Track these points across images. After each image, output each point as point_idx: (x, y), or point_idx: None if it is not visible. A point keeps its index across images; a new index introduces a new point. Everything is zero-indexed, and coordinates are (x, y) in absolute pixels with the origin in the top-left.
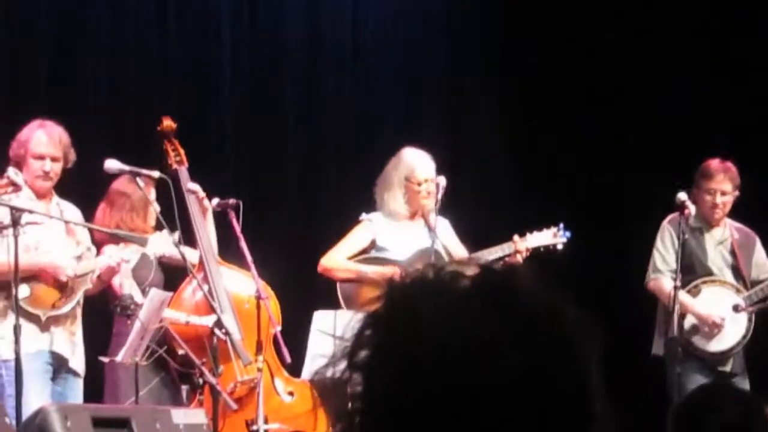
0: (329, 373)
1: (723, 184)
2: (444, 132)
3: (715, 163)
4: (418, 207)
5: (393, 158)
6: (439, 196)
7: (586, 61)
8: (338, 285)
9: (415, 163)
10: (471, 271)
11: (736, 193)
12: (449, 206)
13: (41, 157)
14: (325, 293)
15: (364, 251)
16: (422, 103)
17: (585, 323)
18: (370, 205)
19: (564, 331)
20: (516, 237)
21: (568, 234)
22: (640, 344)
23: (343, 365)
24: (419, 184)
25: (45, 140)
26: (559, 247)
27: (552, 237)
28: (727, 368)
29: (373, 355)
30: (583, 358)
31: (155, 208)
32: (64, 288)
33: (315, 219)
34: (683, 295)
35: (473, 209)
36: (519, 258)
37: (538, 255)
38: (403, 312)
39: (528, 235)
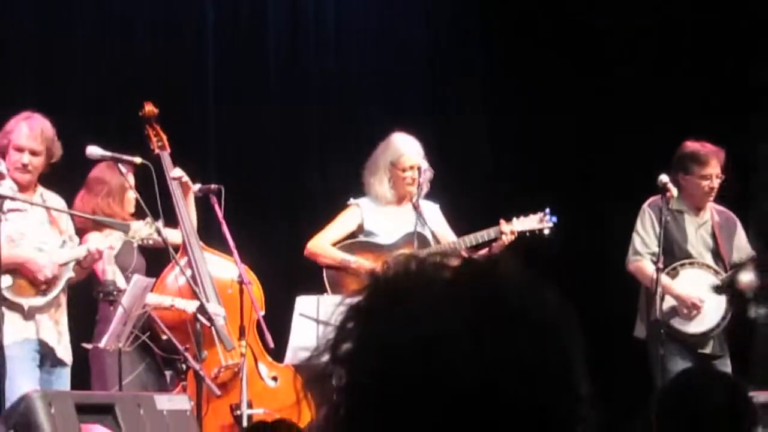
0: (313, 362)
1: (717, 167)
2: (428, 113)
3: (706, 148)
4: (405, 193)
5: (382, 143)
6: (421, 179)
7: (568, 43)
8: (324, 270)
9: (402, 149)
10: (454, 261)
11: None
12: (435, 191)
13: (20, 150)
14: (308, 278)
15: (352, 235)
16: (406, 85)
17: (568, 312)
18: (354, 189)
19: (547, 321)
20: (502, 221)
21: (554, 219)
22: (624, 327)
23: (326, 357)
24: (404, 170)
25: (26, 132)
26: (546, 232)
27: (539, 222)
28: (707, 350)
29: (356, 348)
30: (566, 347)
31: (133, 193)
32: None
33: (298, 203)
34: (662, 277)
35: (458, 193)
36: (505, 241)
37: (524, 239)
38: (385, 304)
39: (515, 219)
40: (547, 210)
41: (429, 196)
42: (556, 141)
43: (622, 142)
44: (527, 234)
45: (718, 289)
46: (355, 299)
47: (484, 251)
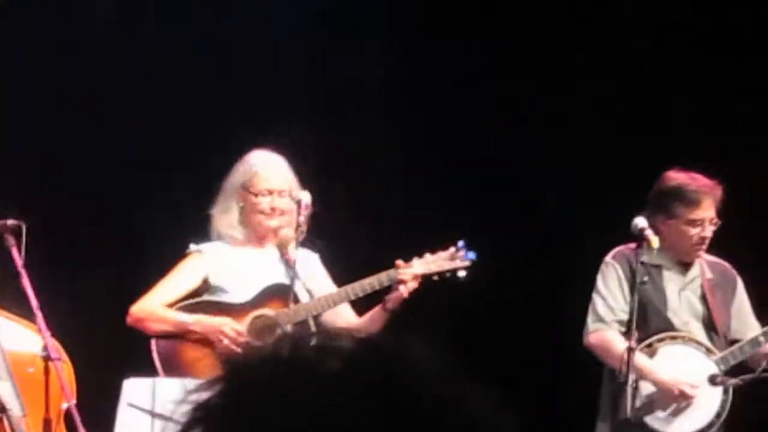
0: None
1: (711, 209)
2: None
3: (698, 183)
4: (263, 230)
5: (237, 164)
6: (302, 218)
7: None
8: (153, 342)
9: (258, 167)
10: (345, 345)
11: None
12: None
13: None
14: (139, 354)
15: (195, 294)
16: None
17: (498, 417)
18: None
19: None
20: (399, 263)
21: (471, 255)
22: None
23: None
24: (257, 195)
25: None
26: (461, 274)
27: (449, 260)
28: None
29: None
30: None
31: None
32: None
33: (128, 246)
34: (637, 356)
35: (351, 225)
36: (404, 291)
37: (434, 286)
38: (245, 405)
39: (416, 259)
40: (461, 243)
41: (306, 240)
42: (487, 154)
43: (585, 166)
44: (435, 278)
45: (715, 380)
46: (205, 394)
47: (375, 310)
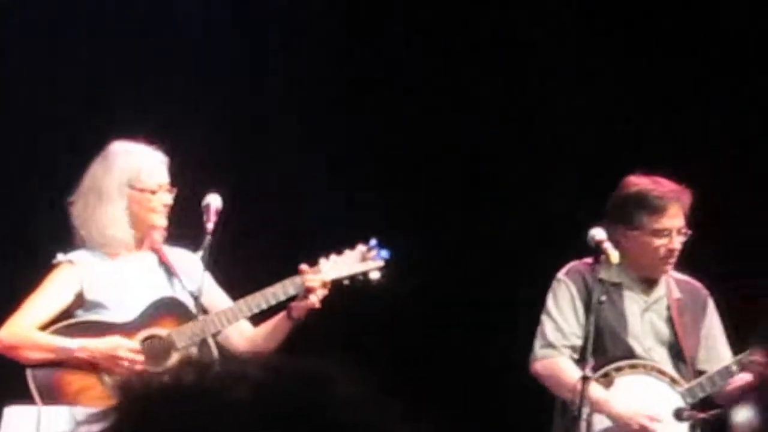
0: None
1: (679, 217)
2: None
3: (663, 188)
4: (151, 231)
5: (98, 158)
6: (211, 224)
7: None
8: (29, 372)
9: (142, 161)
10: (253, 372)
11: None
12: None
13: None
14: (20, 377)
15: (67, 312)
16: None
17: None
18: None
19: None
20: (305, 267)
21: (385, 254)
22: None
23: None
24: (153, 193)
25: None
26: (374, 275)
27: (360, 261)
28: None
29: None
30: None
31: None
32: None
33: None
34: (592, 387)
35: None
36: (313, 301)
37: (345, 291)
38: None
39: (322, 261)
40: (373, 242)
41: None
42: (412, 150)
43: (532, 164)
44: (346, 282)
45: (681, 415)
46: (96, 426)
47: (278, 318)
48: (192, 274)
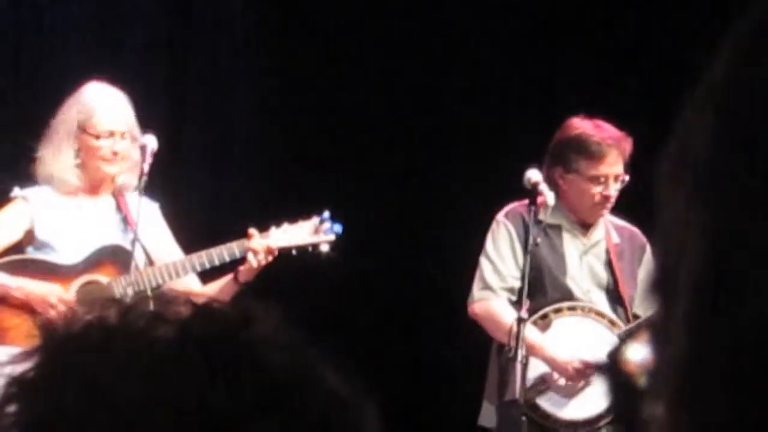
0: None
1: (617, 165)
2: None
3: (603, 134)
4: (101, 176)
5: (69, 99)
6: (146, 165)
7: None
8: None
9: (96, 106)
10: (181, 311)
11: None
12: (170, 177)
13: None
14: None
15: (17, 248)
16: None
17: (359, 396)
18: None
19: (321, 411)
20: (253, 232)
21: (337, 228)
22: (462, 412)
23: None
24: (98, 138)
25: None
26: (324, 248)
27: (312, 233)
28: None
29: None
30: None
31: None
32: None
33: None
34: (528, 329)
35: (204, 181)
36: (255, 263)
37: (291, 259)
38: (67, 377)
39: (273, 229)
40: (326, 215)
41: (151, 189)
42: (356, 102)
43: (468, 110)
44: (294, 253)
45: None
46: (20, 366)
47: (225, 280)
48: (146, 222)
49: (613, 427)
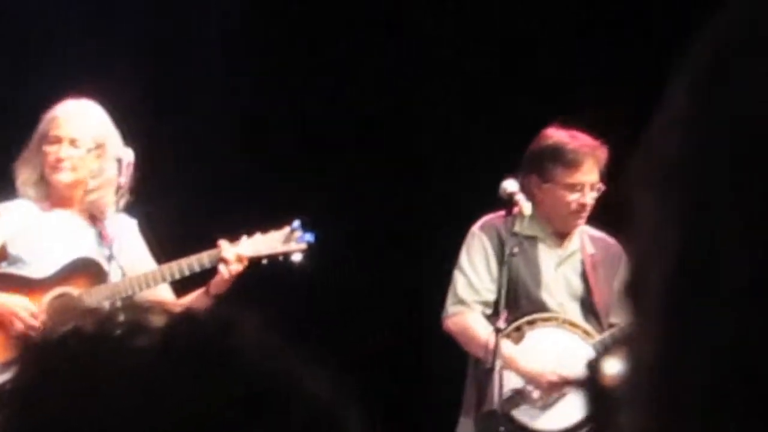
0: None
1: (593, 173)
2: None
3: (579, 142)
4: (59, 186)
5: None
6: (123, 179)
7: None
8: None
9: (57, 115)
10: (158, 320)
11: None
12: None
13: None
14: None
15: None
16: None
17: (343, 401)
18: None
19: (305, 416)
20: (222, 242)
21: (309, 237)
22: (439, 423)
23: None
24: (51, 143)
25: None
26: (296, 258)
27: (283, 242)
28: None
29: None
30: None
31: None
32: None
33: None
34: (503, 343)
35: (177, 190)
36: (226, 273)
37: (262, 270)
38: (46, 388)
39: (245, 238)
40: (296, 224)
41: (132, 204)
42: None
43: (448, 119)
44: (264, 262)
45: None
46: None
47: (197, 294)
48: (122, 237)
49: None
